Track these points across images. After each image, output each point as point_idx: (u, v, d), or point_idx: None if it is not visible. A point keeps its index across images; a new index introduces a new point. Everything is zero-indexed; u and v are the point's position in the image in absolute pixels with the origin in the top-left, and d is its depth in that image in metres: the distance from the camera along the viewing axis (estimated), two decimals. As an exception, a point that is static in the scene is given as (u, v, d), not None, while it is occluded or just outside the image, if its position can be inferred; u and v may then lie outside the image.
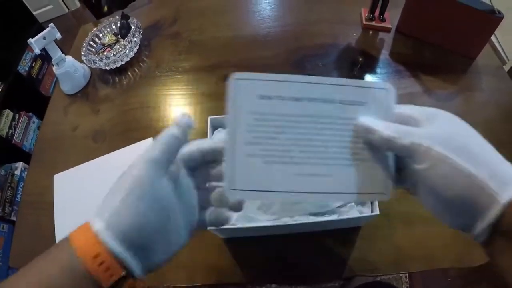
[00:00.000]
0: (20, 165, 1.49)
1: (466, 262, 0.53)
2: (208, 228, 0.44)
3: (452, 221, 0.28)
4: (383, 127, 0.29)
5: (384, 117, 0.32)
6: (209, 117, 0.54)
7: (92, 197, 0.57)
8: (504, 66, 1.51)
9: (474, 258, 0.53)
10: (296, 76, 0.33)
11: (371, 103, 0.33)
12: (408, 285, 1.16)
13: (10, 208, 1.39)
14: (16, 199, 1.43)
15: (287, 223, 0.48)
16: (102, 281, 0.24)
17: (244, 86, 0.34)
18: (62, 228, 0.61)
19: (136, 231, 0.26)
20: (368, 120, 0.31)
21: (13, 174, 1.45)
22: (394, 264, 0.54)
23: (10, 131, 1.50)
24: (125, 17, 0.87)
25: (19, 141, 1.53)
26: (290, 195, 0.33)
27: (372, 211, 0.49)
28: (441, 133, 0.27)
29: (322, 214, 0.49)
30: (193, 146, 0.32)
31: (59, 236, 0.62)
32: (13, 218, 1.38)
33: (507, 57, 1.68)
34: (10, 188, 1.42)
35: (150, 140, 0.67)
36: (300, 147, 0.33)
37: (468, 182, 0.25)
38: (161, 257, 0.28)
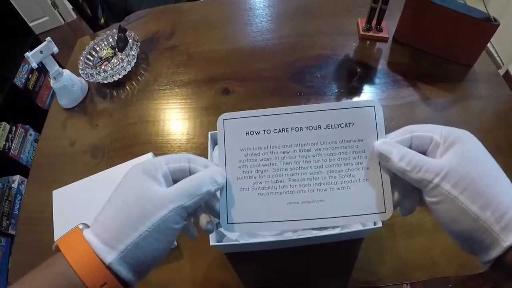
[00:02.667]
0: (17, 178, 1.47)
1: (469, 270, 0.53)
2: (211, 244, 0.44)
3: (460, 246, 0.29)
4: (397, 157, 0.29)
5: (376, 134, 0.33)
6: (209, 133, 0.54)
7: (91, 212, 0.57)
8: (499, 71, 1.53)
9: (476, 265, 0.53)
10: (280, 109, 0.35)
11: (359, 122, 0.34)
12: (409, 293, 1.16)
13: (7, 221, 1.38)
14: (14, 212, 1.42)
15: (291, 238, 0.47)
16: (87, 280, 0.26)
17: (231, 125, 0.36)
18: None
19: (147, 266, 0.29)
20: (383, 146, 0.31)
21: (10, 188, 1.44)
22: (397, 274, 0.54)
23: (7, 143, 1.49)
24: (122, 30, 0.87)
25: (16, 154, 1.52)
26: (284, 224, 0.34)
27: (375, 224, 0.49)
28: (455, 168, 0.27)
29: (326, 228, 0.49)
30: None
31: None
32: (11, 232, 1.36)
33: (502, 61, 1.70)
34: (7, 201, 1.40)
35: (150, 155, 0.67)
36: (290, 176, 0.34)
37: (474, 224, 0.26)
38: (149, 270, 0.30)
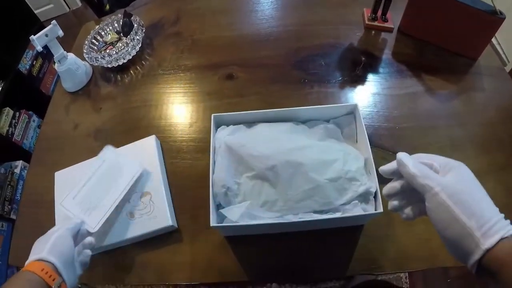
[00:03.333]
0: (19, 163, 1.48)
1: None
2: (212, 225, 0.44)
3: (451, 251, 0.35)
4: (411, 165, 0.37)
5: None
6: (212, 115, 0.54)
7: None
8: (505, 67, 1.51)
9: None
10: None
11: None
12: (408, 285, 1.16)
13: (9, 206, 1.39)
14: (16, 197, 1.42)
15: (291, 221, 0.48)
16: (49, 283, 0.42)
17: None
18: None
19: (64, 257, 0.46)
20: (404, 156, 0.38)
21: (12, 173, 1.44)
22: (396, 263, 0.54)
23: (10, 129, 1.50)
24: (127, 15, 0.87)
25: (19, 140, 1.53)
26: None
27: (376, 209, 0.49)
28: (451, 185, 0.35)
29: (326, 212, 0.49)
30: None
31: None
32: (13, 216, 1.37)
33: (507, 58, 1.68)
34: (9, 186, 1.41)
35: (153, 137, 0.67)
36: None
37: (461, 229, 0.33)
38: (73, 279, 0.47)
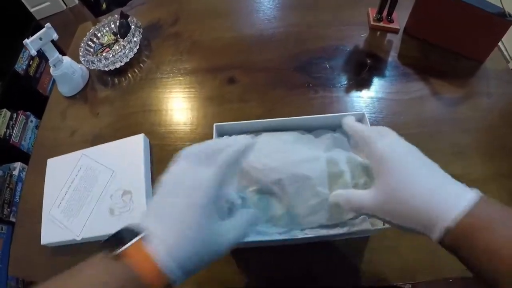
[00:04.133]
0: (18, 165, 1.47)
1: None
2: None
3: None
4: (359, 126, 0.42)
5: None
6: (214, 125, 0.52)
7: (72, 202, 0.62)
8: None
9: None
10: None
11: None
12: (410, 287, 1.15)
13: (8, 209, 1.38)
14: (15, 200, 1.41)
15: (297, 237, 0.46)
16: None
17: None
18: (48, 210, 0.63)
19: (191, 263, 0.30)
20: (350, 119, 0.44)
21: (11, 175, 1.43)
22: (401, 275, 0.53)
23: (8, 131, 1.48)
24: (124, 16, 0.84)
25: (17, 141, 1.51)
26: None
27: (384, 224, 0.47)
28: (381, 206, 0.35)
29: (333, 226, 0.48)
30: None
31: (45, 219, 0.63)
32: (12, 219, 1.36)
33: (510, 56, 1.66)
34: (8, 189, 1.40)
35: (141, 136, 0.67)
36: None
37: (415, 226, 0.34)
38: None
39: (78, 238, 0.57)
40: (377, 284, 0.52)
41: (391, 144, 0.36)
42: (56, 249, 0.61)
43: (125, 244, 0.29)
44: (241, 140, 0.37)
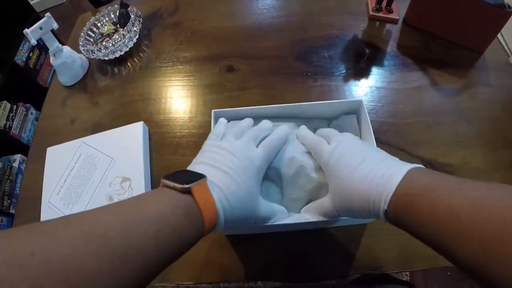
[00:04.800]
0: (18, 157, 1.47)
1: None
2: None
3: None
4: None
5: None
6: (213, 111, 0.52)
7: (72, 189, 0.63)
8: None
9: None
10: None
11: None
12: (408, 278, 1.16)
13: (8, 201, 1.38)
14: (15, 191, 1.42)
15: (296, 222, 0.46)
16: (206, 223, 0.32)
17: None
18: (47, 198, 0.64)
19: (232, 218, 0.35)
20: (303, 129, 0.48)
21: (11, 167, 1.43)
22: (398, 262, 0.53)
23: (8, 123, 1.48)
24: (124, 5, 0.84)
25: (17, 133, 1.51)
26: None
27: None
28: (335, 206, 0.39)
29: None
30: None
31: (44, 207, 0.63)
32: (12, 211, 1.37)
33: (510, 51, 1.66)
34: (8, 180, 1.40)
35: (141, 123, 0.67)
36: None
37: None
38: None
39: None
40: (375, 271, 0.53)
41: (333, 150, 0.40)
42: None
43: (191, 183, 0.31)
44: (285, 129, 0.46)
